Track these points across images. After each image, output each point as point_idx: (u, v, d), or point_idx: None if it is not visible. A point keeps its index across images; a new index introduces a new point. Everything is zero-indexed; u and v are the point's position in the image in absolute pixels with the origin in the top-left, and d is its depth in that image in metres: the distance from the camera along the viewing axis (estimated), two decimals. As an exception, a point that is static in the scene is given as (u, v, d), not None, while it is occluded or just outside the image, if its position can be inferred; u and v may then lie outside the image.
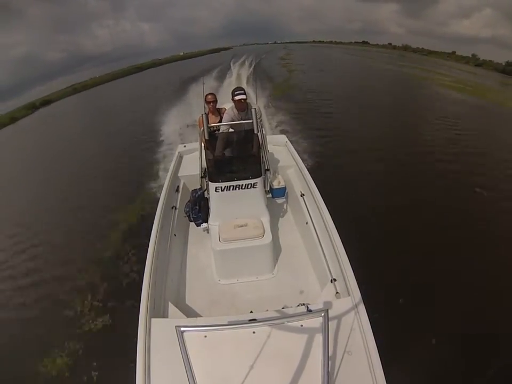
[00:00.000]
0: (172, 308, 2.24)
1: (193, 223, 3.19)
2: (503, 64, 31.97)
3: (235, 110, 3.06)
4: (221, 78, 17.68)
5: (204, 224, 3.00)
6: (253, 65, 23.24)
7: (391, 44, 55.89)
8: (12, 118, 23.14)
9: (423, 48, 48.00)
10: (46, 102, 28.55)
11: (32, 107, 26.97)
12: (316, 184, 3.23)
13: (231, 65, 23.17)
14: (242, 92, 2.97)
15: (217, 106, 3.58)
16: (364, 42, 62.45)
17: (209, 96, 3.50)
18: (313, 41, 72.64)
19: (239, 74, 18.58)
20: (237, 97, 2.94)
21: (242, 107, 3.03)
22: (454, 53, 42.88)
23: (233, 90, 3.03)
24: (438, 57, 40.66)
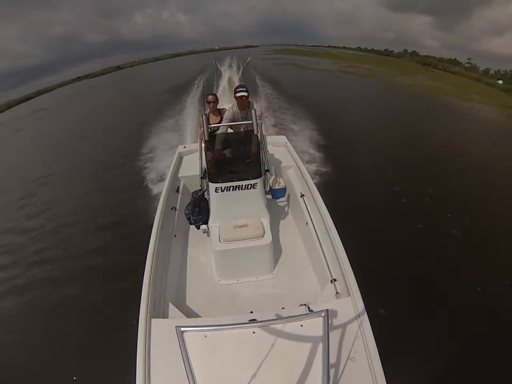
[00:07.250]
0: (172, 308, 2.24)
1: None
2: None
3: (236, 108, 3.06)
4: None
5: (204, 226, 2.97)
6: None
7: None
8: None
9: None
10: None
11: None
12: (315, 185, 3.23)
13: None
14: (244, 89, 2.97)
15: (218, 107, 3.56)
16: (358, 48, 62.50)
17: (210, 97, 3.47)
18: (329, 46, 76.60)
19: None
20: (238, 94, 2.95)
21: (244, 105, 3.03)
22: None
23: (235, 87, 3.05)
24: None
